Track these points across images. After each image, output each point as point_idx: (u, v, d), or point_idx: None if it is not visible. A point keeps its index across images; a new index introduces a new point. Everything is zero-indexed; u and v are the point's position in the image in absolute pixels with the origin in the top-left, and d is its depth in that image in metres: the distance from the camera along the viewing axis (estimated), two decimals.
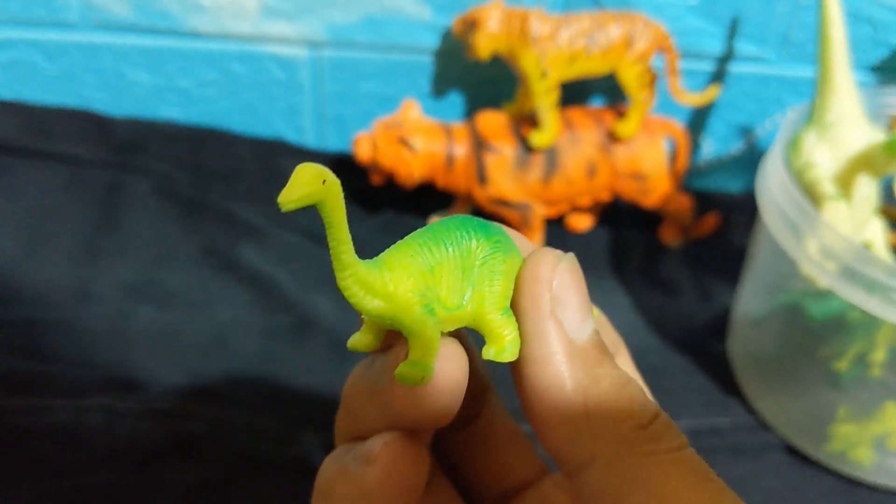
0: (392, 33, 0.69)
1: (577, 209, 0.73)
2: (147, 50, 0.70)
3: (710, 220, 0.75)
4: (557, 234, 0.74)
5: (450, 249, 0.27)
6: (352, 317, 0.62)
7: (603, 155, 0.68)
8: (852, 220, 0.54)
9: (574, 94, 0.71)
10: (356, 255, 0.26)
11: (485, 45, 0.64)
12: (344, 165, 0.70)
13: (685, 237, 0.74)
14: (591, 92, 0.73)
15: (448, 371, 0.26)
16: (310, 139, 0.76)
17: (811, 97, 0.59)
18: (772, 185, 0.56)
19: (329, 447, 0.36)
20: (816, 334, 0.57)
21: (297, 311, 0.63)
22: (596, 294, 0.66)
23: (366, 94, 0.73)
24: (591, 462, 0.25)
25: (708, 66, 0.71)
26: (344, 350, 0.59)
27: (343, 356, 0.61)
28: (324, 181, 0.25)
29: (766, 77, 0.73)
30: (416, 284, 0.26)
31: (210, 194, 0.71)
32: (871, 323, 0.53)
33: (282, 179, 0.67)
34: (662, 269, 0.73)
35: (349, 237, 0.26)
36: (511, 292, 0.28)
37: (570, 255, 0.28)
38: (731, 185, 0.79)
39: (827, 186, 0.55)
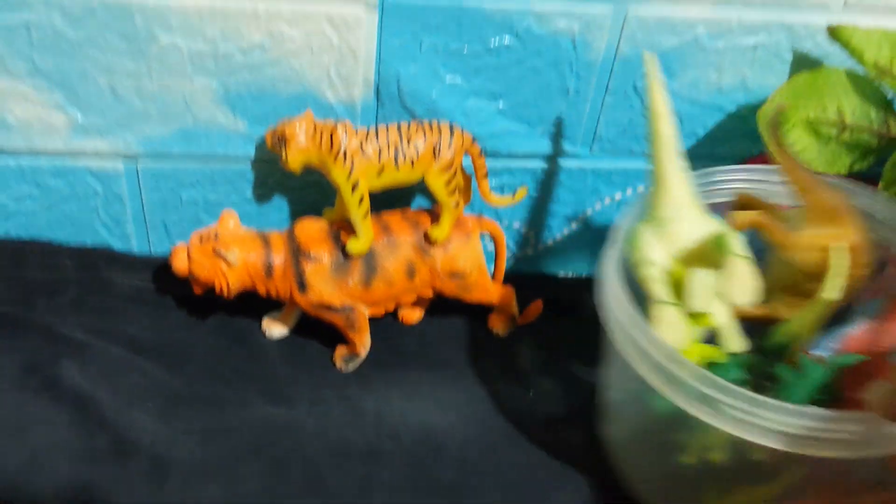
0: (208, 144, 0.72)
1: (403, 305, 0.75)
2: None
3: (535, 307, 0.78)
4: (390, 326, 0.76)
5: None
6: (174, 433, 0.64)
7: (421, 256, 0.71)
8: (685, 317, 0.57)
9: (396, 195, 0.74)
10: None
11: (295, 158, 0.66)
12: (170, 272, 0.70)
13: (513, 324, 0.78)
14: (413, 193, 0.77)
15: None
16: (135, 246, 0.78)
17: (642, 189, 0.62)
18: (607, 287, 0.58)
19: None
20: (666, 426, 0.59)
21: (116, 431, 0.63)
22: (433, 389, 0.69)
23: (189, 201, 0.75)
24: None
25: (525, 164, 0.76)
26: (163, 471, 0.61)
27: (163, 478, 0.61)
28: None
29: (581, 171, 0.78)
30: None
31: (32, 309, 0.72)
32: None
33: (107, 289, 0.67)
34: (501, 357, 0.76)
35: None
36: None
37: None
38: (557, 267, 0.85)
39: (657, 287, 0.58)
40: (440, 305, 0.77)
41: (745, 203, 0.64)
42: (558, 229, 0.82)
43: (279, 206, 0.77)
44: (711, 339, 0.59)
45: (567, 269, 0.86)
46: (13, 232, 0.76)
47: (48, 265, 0.75)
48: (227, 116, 0.70)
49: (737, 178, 0.67)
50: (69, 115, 0.69)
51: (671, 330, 0.56)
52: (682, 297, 0.57)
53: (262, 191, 0.76)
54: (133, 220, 0.76)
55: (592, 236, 0.83)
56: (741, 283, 0.55)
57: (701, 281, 0.56)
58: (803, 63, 0.72)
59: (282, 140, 0.66)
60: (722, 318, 0.58)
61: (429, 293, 0.73)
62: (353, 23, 0.66)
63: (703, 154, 0.77)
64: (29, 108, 0.68)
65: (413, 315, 0.78)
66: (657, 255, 0.58)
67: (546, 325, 0.78)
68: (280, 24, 0.66)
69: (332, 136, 0.65)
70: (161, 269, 0.76)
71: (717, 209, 0.63)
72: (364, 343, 0.72)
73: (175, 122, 0.70)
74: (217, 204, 0.75)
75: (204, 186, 0.75)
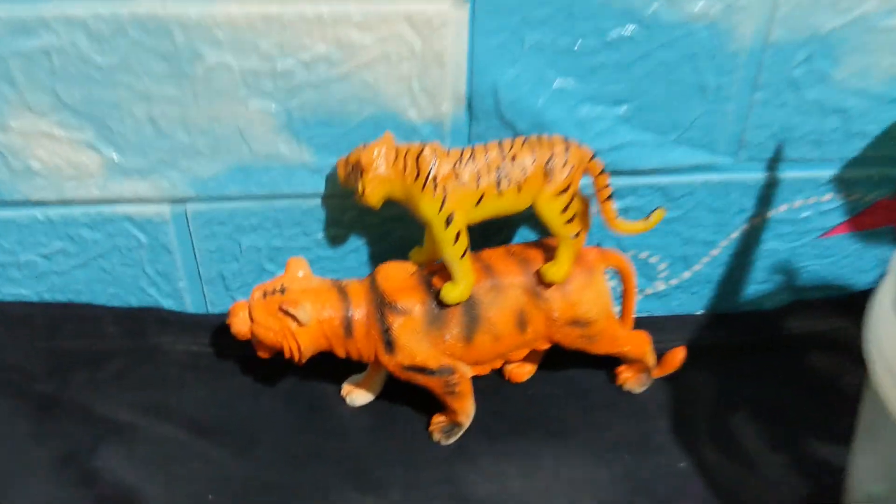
0: (269, 181, 0.65)
1: (512, 360, 0.67)
2: None
3: (676, 356, 0.69)
4: (495, 385, 0.69)
5: None
6: None
7: (534, 302, 0.62)
8: None
9: (494, 227, 0.67)
10: None
11: (374, 191, 0.58)
12: (230, 333, 0.63)
13: (648, 378, 0.69)
14: (516, 224, 0.69)
15: None
16: (189, 305, 0.73)
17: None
18: (884, 346, 0.46)
19: None
20: None
21: None
22: (557, 464, 0.63)
23: (250, 249, 0.69)
24: None
25: (654, 181, 0.68)
26: None
27: None
28: None
29: (724, 185, 0.68)
30: None
31: (69, 386, 0.67)
32: None
33: (157, 358, 0.69)
34: (638, 420, 0.67)
35: None
36: None
37: None
38: (695, 305, 0.76)
39: None
40: (554, 356, 0.68)
41: None
42: (696, 259, 0.73)
43: (357, 248, 0.70)
44: None
45: (707, 307, 0.77)
46: (46, 295, 0.71)
47: (87, 332, 0.71)
48: (290, 146, 0.63)
49: None
50: (103, 155, 0.63)
51: None
52: None
53: (337, 231, 0.69)
54: (185, 274, 0.70)
55: (739, 265, 0.73)
56: None
57: None
58: None
59: (357, 170, 0.58)
60: None
61: (544, 346, 0.64)
62: (438, 23, 0.58)
63: (877, 158, 0.67)
64: (56, 150, 0.62)
65: (522, 371, 0.70)
66: None
67: (687, 376, 0.70)
68: (349, 29, 0.58)
69: (418, 160, 0.57)
70: (220, 330, 0.71)
71: None
72: (467, 411, 0.64)
73: (229, 157, 0.64)
74: (283, 250, 0.69)
75: (267, 230, 0.68)
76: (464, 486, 0.61)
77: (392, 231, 0.69)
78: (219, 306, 0.72)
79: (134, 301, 0.72)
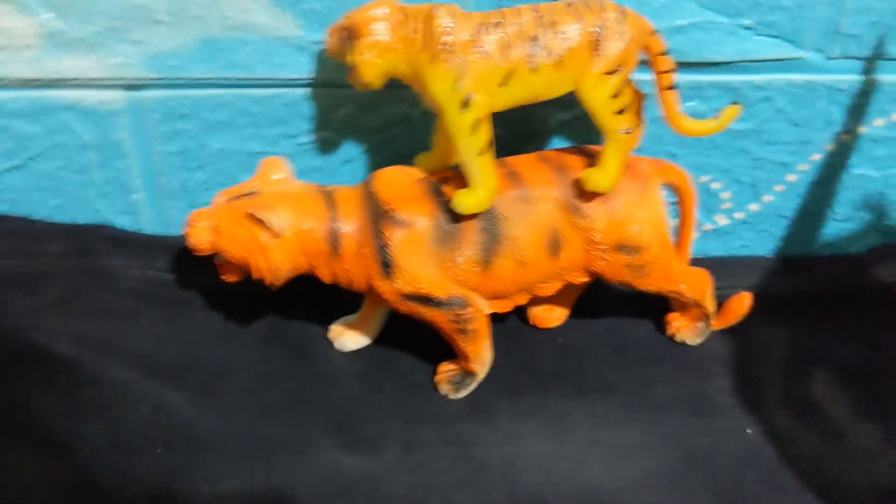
0: (246, 61, 0.59)
1: (540, 299, 0.61)
2: None
3: (740, 303, 0.63)
4: (516, 332, 0.63)
5: None
6: (201, 496, 0.51)
7: (570, 219, 0.55)
8: None
9: (522, 135, 0.60)
10: None
11: (372, 63, 0.51)
12: (194, 257, 0.58)
13: (706, 329, 0.62)
14: (551, 130, 0.63)
15: None
16: (146, 222, 0.67)
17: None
18: None
19: None
20: None
21: (112, 493, 0.51)
22: (592, 427, 0.57)
23: (221, 153, 0.63)
24: None
25: (724, 78, 0.61)
26: None
27: None
28: None
29: (810, 88, 0.61)
30: None
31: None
32: None
33: (106, 283, 0.66)
34: (693, 375, 0.61)
35: None
36: None
37: None
38: (759, 246, 0.70)
39: None
40: (589, 300, 0.65)
41: None
42: (767, 186, 0.66)
43: (352, 157, 0.64)
44: None
45: (778, 249, 0.71)
46: None
47: (23, 250, 0.66)
48: (271, 14, 0.57)
49: None
50: (37, 19, 0.57)
51: None
52: None
53: (327, 134, 0.62)
54: (142, 184, 0.65)
55: (820, 196, 0.67)
56: None
57: None
58: None
59: (352, 36, 0.51)
60: None
61: (580, 278, 0.57)
62: None
63: None
64: None
65: (551, 315, 0.64)
66: None
67: (753, 329, 0.64)
68: None
69: (429, 23, 0.50)
70: (183, 254, 0.66)
71: None
72: (482, 357, 0.58)
73: (193, 26, 0.58)
74: (260, 156, 0.63)
75: (240, 129, 0.62)
76: (476, 447, 0.55)
77: (396, 137, 0.63)
78: (181, 226, 0.64)
79: (81, 217, 0.67)
